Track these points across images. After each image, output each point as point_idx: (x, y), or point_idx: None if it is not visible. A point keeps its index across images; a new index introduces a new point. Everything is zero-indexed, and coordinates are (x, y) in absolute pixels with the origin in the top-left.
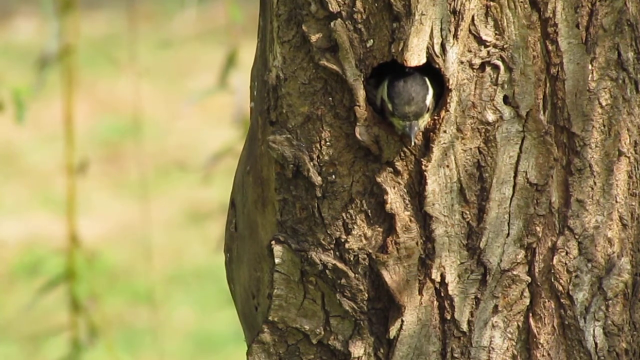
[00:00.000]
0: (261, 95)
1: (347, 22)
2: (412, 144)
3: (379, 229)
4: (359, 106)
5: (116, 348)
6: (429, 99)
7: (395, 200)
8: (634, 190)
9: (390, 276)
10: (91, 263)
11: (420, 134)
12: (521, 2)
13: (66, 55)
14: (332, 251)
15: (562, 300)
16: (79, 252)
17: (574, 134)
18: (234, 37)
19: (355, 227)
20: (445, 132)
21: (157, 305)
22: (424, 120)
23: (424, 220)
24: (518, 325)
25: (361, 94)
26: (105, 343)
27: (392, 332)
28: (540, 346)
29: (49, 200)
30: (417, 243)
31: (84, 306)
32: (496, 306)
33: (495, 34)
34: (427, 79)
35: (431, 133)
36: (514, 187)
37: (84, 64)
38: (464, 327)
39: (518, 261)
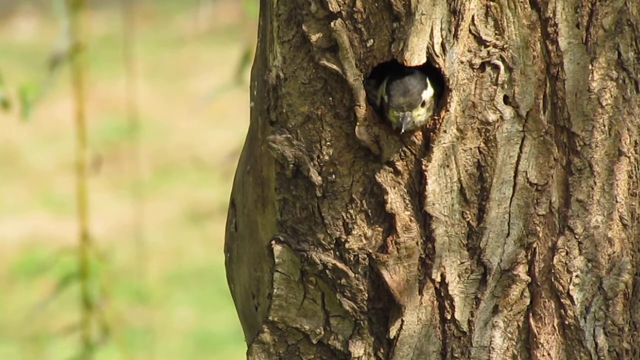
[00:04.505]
0: (261, 95)
1: (347, 22)
2: (402, 132)
3: (379, 228)
4: (359, 106)
5: (117, 347)
6: (426, 94)
7: (396, 200)
8: (634, 190)
9: (390, 276)
10: (103, 262)
11: (420, 134)
12: (521, 2)
13: (76, 53)
14: (332, 251)
15: (562, 300)
16: (90, 250)
17: (574, 134)
18: (249, 33)
19: (355, 227)
20: (445, 132)
21: (156, 305)
22: (420, 115)
23: (424, 220)
24: (518, 325)
25: (361, 93)
26: (117, 342)
27: (392, 332)
28: (540, 346)
29: (49, 200)
30: (417, 243)
31: (95, 305)
32: (496, 306)
33: (495, 34)
34: (427, 78)
35: (431, 133)
36: (514, 187)
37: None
38: (464, 327)
39: (518, 261)
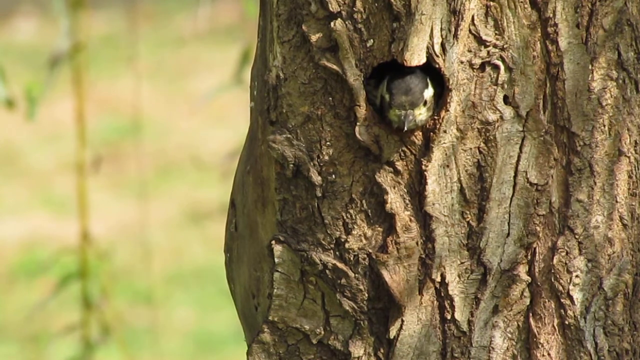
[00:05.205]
0: (261, 95)
1: (347, 22)
2: (404, 130)
3: (379, 228)
4: (359, 106)
5: (117, 347)
6: (427, 93)
7: (395, 200)
8: (634, 190)
9: (390, 276)
10: (103, 261)
11: (420, 134)
12: (521, 2)
13: (76, 53)
14: (332, 251)
15: (562, 300)
16: (90, 250)
17: (574, 133)
18: (249, 33)
19: (355, 227)
20: (445, 132)
21: (157, 305)
22: (421, 114)
23: (424, 220)
24: (518, 325)
25: (361, 93)
26: (117, 342)
27: (392, 332)
28: (540, 346)
29: (49, 200)
30: (417, 243)
31: (95, 304)
32: (496, 306)
33: (495, 34)
34: (427, 77)
35: (431, 133)
36: (514, 187)
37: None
38: (464, 327)
39: (518, 261)
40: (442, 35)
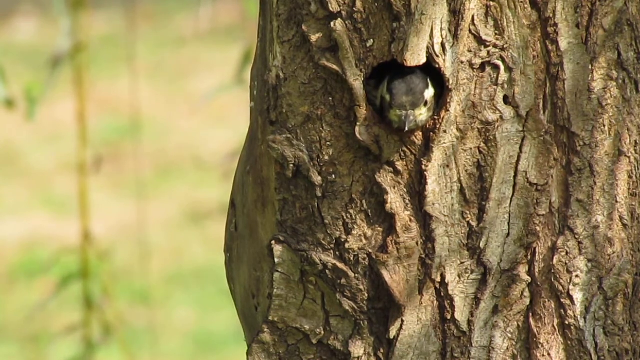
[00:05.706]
0: (261, 95)
1: (347, 22)
2: (405, 130)
3: (379, 228)
4: (359, 106)
5: (118, 347)
6: (428, 93)
7: (396, 200)
8: (634, 190)
9: (390, 276)
10: (103, 261)
11: (420, 134)
12: (521, 2)
13: (77, 53)
14: (332, 251)
15: (562, 300)
16: (91, 250)
17: (574, 133)
18: (249, 33)
19: (355, 227)
20: (445, 132)
21: (156, 305)
22: (422, 114)
23: (424, 220)
24: (518, 325)
25: (361, 93)
26: (118, 342)
27: (392, 332)
28: (540, 346)
29: (49, 200)
30: (417, 243)
31: (96, 304)
32: (496, 306)
33: (495, 34)
34: (427, 77)
35: (431, 133)
36: (514, 187)
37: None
38: (464, 327)
39: (518, 261)
40: (442, 35)
